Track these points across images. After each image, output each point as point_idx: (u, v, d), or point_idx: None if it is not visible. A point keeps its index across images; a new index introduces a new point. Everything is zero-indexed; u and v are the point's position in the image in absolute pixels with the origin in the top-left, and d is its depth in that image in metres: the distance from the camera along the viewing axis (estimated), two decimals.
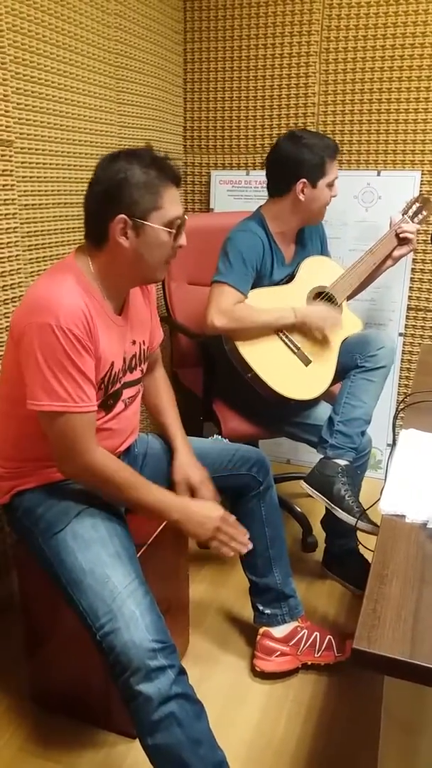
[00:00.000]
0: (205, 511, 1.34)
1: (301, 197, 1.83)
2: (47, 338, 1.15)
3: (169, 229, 1.25)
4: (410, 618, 0.77)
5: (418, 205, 2.00)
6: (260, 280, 1.87)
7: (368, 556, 1.91)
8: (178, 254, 1.33)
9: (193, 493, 1.47)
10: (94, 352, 1.23)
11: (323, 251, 2.07)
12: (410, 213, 1.99)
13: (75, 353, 1.17)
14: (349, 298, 2.01)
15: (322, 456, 1.83)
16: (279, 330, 1.84)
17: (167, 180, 1.23)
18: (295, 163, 1.80)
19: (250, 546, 1.39)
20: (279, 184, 1.85)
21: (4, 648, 1.71)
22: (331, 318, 1.85)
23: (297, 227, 1.93)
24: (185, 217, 1.27)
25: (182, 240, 1.29)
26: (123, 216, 1.20)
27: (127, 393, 1.40)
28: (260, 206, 1.95)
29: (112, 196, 1.21)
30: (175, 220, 1.25)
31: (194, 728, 1.10)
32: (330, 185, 1.85)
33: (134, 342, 1.40)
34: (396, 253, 1.99)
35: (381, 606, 0.79)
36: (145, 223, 1.22)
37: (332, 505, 1.73)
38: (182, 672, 1.13)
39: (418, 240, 2.32)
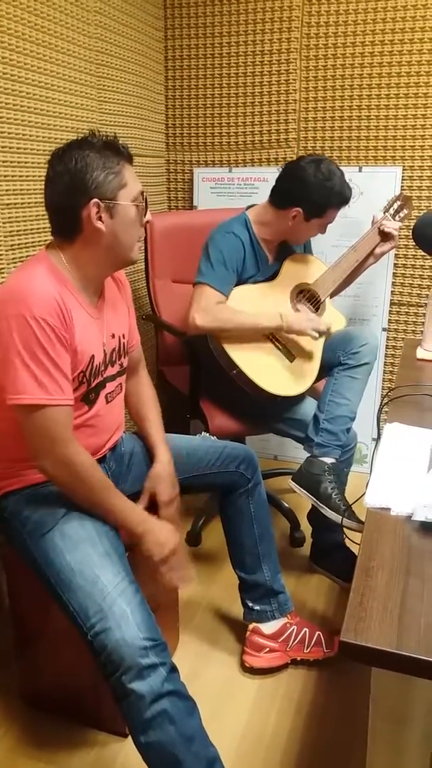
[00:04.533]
0: (166, 532, 1.32)
1: (290, 223, 1.84)
2: (21, 329, 1.15)
3: (137, 204, 1.27)
4: (396, 610, 0.78)
5: (399, 203, 2.02)
6: (244, 280, 1.87)
7: (355, 549, 1.92)
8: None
9: (155, 507, 1.45)
10: (70, 343, 1.22)
11: (306, 250, 2.08)
12: (391, 211, 2.01)
13: (49, 344, 1.17)
14: (333, 295, 2.02)
15: (308, 454, 1.84)
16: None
17: (123, 158, 1.26)
18: (301, 191, 1.79)
19: (194, 582, 1.37)
20: (281, 198, 1.85)
21: None
22: (314, 321, 1.85)
23: (279, 240, 1.94)
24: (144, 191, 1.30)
25: (148, 215, 1.32)
26: (96, 200, 1.21)
27: (109, 387, 1.39)
28: (249, 206, 1.96)
29: (78, 185, 1.21)
30: (139, 195, 1.27)
31: (187, 725, 1.11)
32: (322, 226, 1.88)
33: (113, 335, 1.40)
34: (378, 251, 2.00)
35: (367, 599, 0.80)
36: (117, 202, 1.23)
37: (319, 504, 1.74)
38: (174, 669, 1.14)
39: (400, 236, 2.34)
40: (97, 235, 1.24)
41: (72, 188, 1.22)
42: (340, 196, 1.81)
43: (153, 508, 1.43)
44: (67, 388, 1.21)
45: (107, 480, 1.28)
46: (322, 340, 1.92)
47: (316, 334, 1.84)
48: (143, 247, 1.36)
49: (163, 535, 1.31)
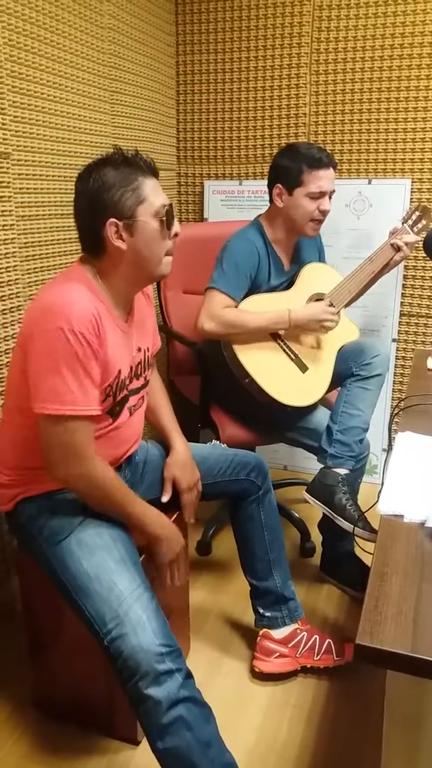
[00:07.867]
0: (176, 534, 1.38)
1: (279, 203, 1.87)
2: (59, 342, 1.16)
3: (160, 218, 1.26)
4: (411, 613, 0.79)
5: (418, 213, 1.99)
6: (258, 287, 1.89)
7: (365, 558, 1.93)
8: (173, 263, 1.34)
9: (178, 495, 1.51)
10: (102, 357, 1.24)
11: (320, 260, 2.10)
12: (410, 222, 1.98)
13: (85, 358, 1.18)
14: (347, 305, 2.03)
15: (322, 465, 1.85)
16: (276, 336, 1.86)
17: (142, 173, 1.25)
18: (274, 169, 1.87)
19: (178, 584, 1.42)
20: (269, 192, 1.91)
21: (7, 654, 1.71)
22: (323, 314, 1.84)
23: (290, 236, 1.95)
24: (171, 203, 1.29)
25: (176, 227, 1.31)
26: (113, 220, 1.22)
27: (132, 400, 1.41)
28: (260, 215, 1.98)
29: (96, 205, 1.23)
30: (161, 208, 1.26)
31: (203, 731, 1.11)
32: (312, 197, 1.83)
33: (140, 349, 1.42)
34: (391, 261, 2.01)
35: (382, 603, 0.81)
36: (135, 219, 1.24)
37: (334, 515, 1.75)
38: (189, 675, 1.15)
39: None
40: (119, 253, 1.26)
41: (91, 209, 1.24)
42: (308, 156, 1.81)
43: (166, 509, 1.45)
44: (94, 400, 1.22)
45: (124, 487, 1.30)
46: (335, 351, 1.93)
47: (333, 323, 1.84)
48: (172, 261, 1.34)
49: (174, 537, 1.36)
